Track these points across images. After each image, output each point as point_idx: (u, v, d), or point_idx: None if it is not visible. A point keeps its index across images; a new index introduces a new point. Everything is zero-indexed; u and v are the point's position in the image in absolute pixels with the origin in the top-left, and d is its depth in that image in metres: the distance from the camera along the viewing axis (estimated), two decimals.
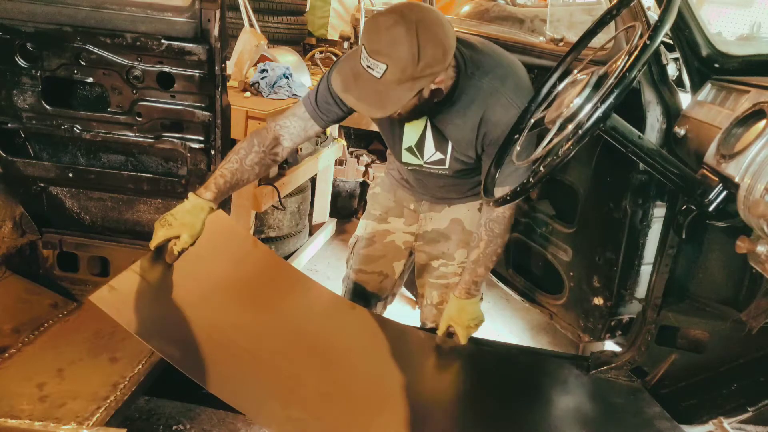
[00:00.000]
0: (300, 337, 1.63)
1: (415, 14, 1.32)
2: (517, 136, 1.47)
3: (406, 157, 1.75)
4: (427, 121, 1.64)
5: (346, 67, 1.40)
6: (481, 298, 1.75)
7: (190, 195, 1.53)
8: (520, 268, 2.17)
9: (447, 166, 1.70)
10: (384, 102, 1.36)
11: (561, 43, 1.96)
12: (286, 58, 3.00)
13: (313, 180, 3.61)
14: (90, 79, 1.83)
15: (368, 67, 1.33)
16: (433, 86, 1.42)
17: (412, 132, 1.68)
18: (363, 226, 2.03)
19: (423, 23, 1.31)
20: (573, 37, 1.92)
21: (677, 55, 1.57)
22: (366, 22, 1.38)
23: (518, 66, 1.63)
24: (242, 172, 1.57)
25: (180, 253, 1.49)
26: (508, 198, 1.37)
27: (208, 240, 1.55)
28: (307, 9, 4.30)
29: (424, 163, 1.73)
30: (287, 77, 2.71)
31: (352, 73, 1.37)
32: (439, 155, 1.69)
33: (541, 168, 1.23)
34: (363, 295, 2.03)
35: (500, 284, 2.16)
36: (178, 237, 1.48)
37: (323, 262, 3.56)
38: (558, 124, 1.27)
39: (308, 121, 1.63)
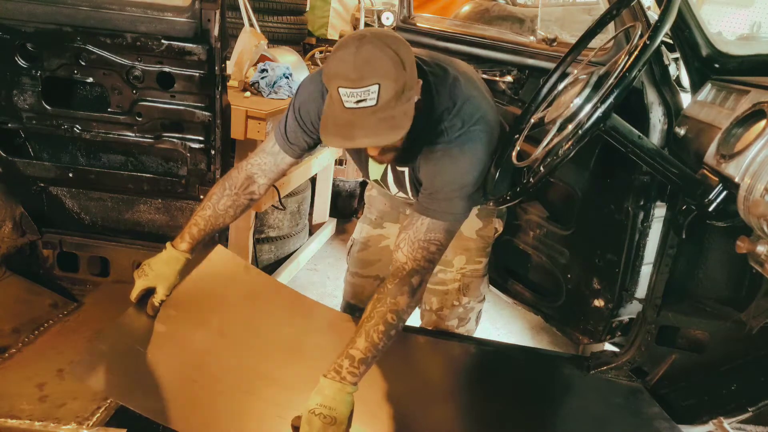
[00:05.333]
0: (296, 359, 1.62)
1: (368, 32, 1.24)
2: (517, 136, 1.47)
3: (377, 186, 1.74)
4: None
5: (329, 124, 1.27)
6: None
7: (168, 245, 1.57)
8: (512, 271, 2.16)
9: (415, 201, 1.65)
10: (395, 122, 1.24)
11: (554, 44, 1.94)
12: (286, 58, 2.99)
13: (313, 180, 3.61)
14: (90, 79, 1.83)
15: (359, 102, 1.21)
16: (416, 97, 1.32)
17: (375, 166, 1.61)
18: (359, 230, 2.03)
19: (380, 34, 1.24)
20: (568, 38, 1.92)
21: (677, 55, 1.57)
22: (325, 65, 1.27)
23: (492, 116, 1.49)
24: (216, 218, 1.57)
25: (160, 305, 1.55)
26: (508, 198, 1.37)
27: (206, 277, 1.65)
28: (307, 9, 4.29)
29: (394, 195, 1.71)
30: (287, 77, 2.71)
31: (342, 123, 1.24)
32: (402, 194, 1.66)
33: (541, 168, 1.23)
34: (361, 299, 2.02)
35: (492, 288, 2.15)
36: (154, 288, 1.54)
37: (323, 262, 3.56)
38: (558, 124, 1.26)
39: (278, 154, 1.58)
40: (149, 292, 1.56)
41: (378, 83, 1.19)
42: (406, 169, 1.55)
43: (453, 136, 1.40)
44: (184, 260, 1.56)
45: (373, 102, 1.21)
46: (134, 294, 1.56)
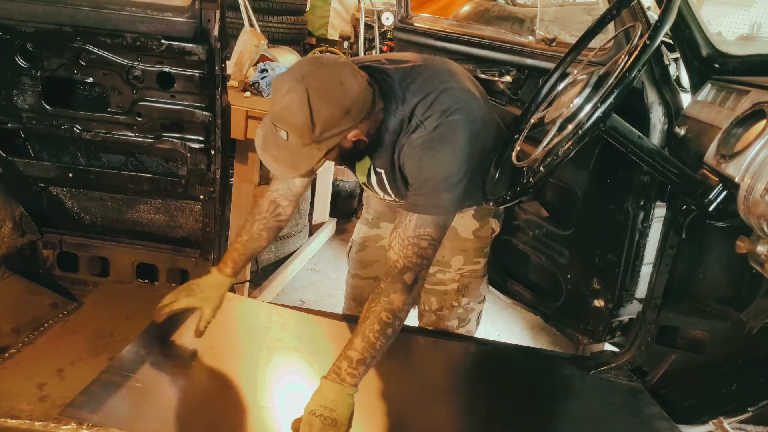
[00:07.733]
0: (300, 371, 1.63)
1: (311, 77, 1.26)
2: (517, 136, 1.47)
3: (368, 189, 1.73)
4: (370, 163, 1.57)
5: (268, 123, 1.34)
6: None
7: (213, 270, 1.65)
8: (511, 272, 2.16)
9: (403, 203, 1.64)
10: (296, 162, 1.32)
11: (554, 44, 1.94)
12: (286, 58, 3.00)
13: (313, 180, 3.60)
14: (90, 80, 1.83)
15: (276, 127, 1.30)
16: (351, 139, 1.35)
17: (361, 169, 1.62)
18: (357, 230, 2.03)
19: (316, 88, 1.25)
20: (568, 38, 1.92)
21: (677, 55, 1.57)
22: (273, 81, 1.35)
23: (477, 107, 1.48)
24: (253, 241, 1.66)
25: (206, 328, 1.58)
26: (507, 198, 1.37)
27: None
28: (307, 9, 4.30)
29: (383, 198, 1.71)
30: None
31: (270, 130, 1.33)
32: (387, 197, 1.66)
33: (541, 168, 1.23)
34: (362, 301, 2.01)
35: (491, 288, 2.15)
36: (197, 308, 1.60)
37: (324, 262, 3.57)
38: (558, 124, 1.27)
39: (287, 179, 1.64)
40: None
41: (286, 132, 1.28)
42: (382, 171, 1.54)
43: (430, 128, 1.40)
44: (228, 284, 1.64)
45: (284, 137, 1.29)
46: (173, 308, 1.58)
